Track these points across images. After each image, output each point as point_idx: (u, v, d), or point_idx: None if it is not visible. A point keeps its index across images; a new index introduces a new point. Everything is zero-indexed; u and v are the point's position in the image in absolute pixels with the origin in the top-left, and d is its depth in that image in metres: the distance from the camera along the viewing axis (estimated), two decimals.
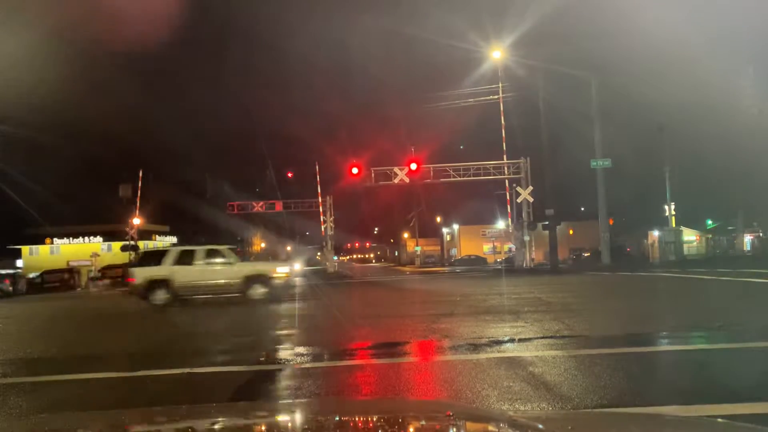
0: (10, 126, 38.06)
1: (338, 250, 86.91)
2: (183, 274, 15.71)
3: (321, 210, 46.71)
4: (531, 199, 35.29)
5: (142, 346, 8.75)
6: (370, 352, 7.41)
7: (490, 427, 2.18)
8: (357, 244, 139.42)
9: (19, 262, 58.32)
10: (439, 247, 75.71)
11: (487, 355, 6.44)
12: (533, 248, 38.74)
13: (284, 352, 7.27)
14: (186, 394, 5.48)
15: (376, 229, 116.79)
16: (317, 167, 45.21)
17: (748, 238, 51.09)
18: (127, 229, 45.12)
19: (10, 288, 34.34)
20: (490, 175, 37.61)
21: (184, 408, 2.40)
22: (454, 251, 70.50)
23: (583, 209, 55.18)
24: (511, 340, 7.42)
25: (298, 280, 32.54)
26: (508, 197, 38.80)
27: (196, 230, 60.28)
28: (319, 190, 46.07)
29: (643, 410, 4.04)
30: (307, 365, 6.45)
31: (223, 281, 16.00)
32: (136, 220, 45.48)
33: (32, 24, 35.41)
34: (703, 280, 18.03)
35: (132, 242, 45.25)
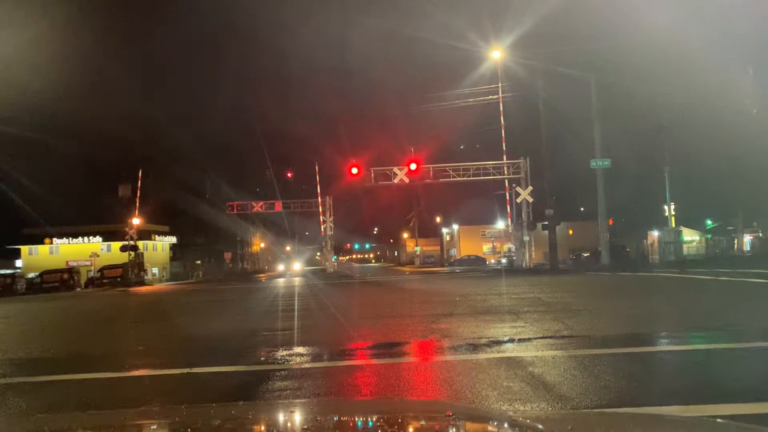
0: (10, 126, 38.05)
1: (338, 251, 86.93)
2: None
3: (321, 210, 46.74)
4: (531, 199, 35.32)
5: (140, 346, 8.75)
6: (369, 352, 7.41)
7: (490, 427, 2.18)
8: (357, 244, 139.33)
9: (19, 262, 58.31)
10: (438, 248, 75.69)
11: (487, 355, 6.44)
12: (533, 248, 38.74)
13: (283, 352, 7.26)
14: (185, 394, 5.48)
15: (376, 229, 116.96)
16: (317, 167, 45.32)
17: (748, 238, 51.11)
18: (127, 229, 45.13)
19: None
20: (489, 175, 37.65)
21: (183, 408, 2.40)
22: (453, 251, 70.51)
23: (582, 209, 55.17)
24: (511, 340, 7.42)
25: (297, 280, 32.53)
26: (507, 197, 38.83)
27: (196, 230, 60.35)
28: (318, 190, 46.17)
29: (643, 410, 4.04)
30: (307, 365, 6.45)
31: None
32: (136, 220, 45.49)
33: (31, 23, 35.41)
34: (702, 281, 18.03)
35: (131, 242, 45.24)
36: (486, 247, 64.71)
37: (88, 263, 49.02)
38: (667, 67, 32.08)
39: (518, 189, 35.71)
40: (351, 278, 36.58)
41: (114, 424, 2.16)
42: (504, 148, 36.45)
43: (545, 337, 7.54)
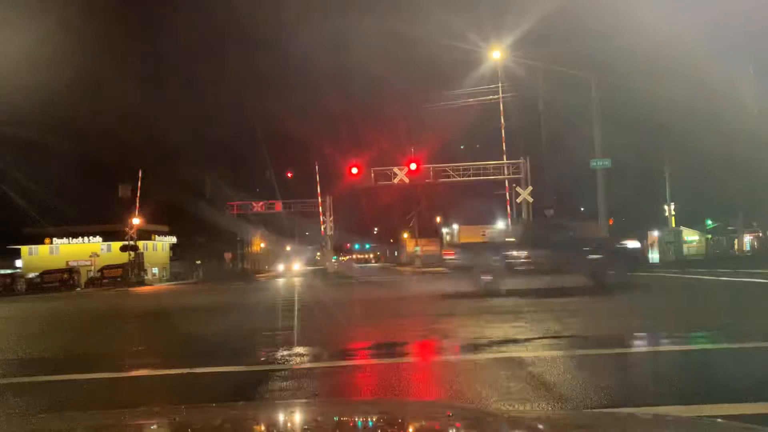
0: (10, 126, 38.05)
1: (338, 251, 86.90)
2: None
3: (321, 210, 46.73)
4: (531, 200, 35.30)
5: (140, 346, 8.75)
6: (369, 352, 7.40)
7: (490, 428, 2.17)
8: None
9: (19, 262, 58.33)
10: (438, 248, 75.62)
11: (487, 355, 6.43)
12: None
13: (283, 352, 7.26)
14: (185, 394, 5.47)
15: (376, 229, 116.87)
16: (317, 167, 45.32)
17: (748, 238, 51.12)
18: (127, 229, 45.18)
19: None
20: (489, 175, 37.64)
21: (183, 408, 2.40)
22: None
23: (583, 209, 55.11)
24: (511, 341, 7.41)
25: (297, 281, 32.49)
26: (507, 197, 38.79)
27: (196, 230, 60.32)
28: (318, 190, 46.15)
29: (643, 410, 4.04)
30: (307, 365, 6.45)
31: None
32: (136, 220, 45.55)
33: (31, 22, 35.42)
34: (702, 281, 18.02)
35: (131, 242, 45.27)
36: None
37: (88, 263, 49.04)
38: (668, 66, 32.11)
39: (518, 189, 35.68)
40: (351, 278, 36.57)
41: (114, 424, 2.16)
42: (504, 148, 36.46)
43: (545, 337, 7.54)
